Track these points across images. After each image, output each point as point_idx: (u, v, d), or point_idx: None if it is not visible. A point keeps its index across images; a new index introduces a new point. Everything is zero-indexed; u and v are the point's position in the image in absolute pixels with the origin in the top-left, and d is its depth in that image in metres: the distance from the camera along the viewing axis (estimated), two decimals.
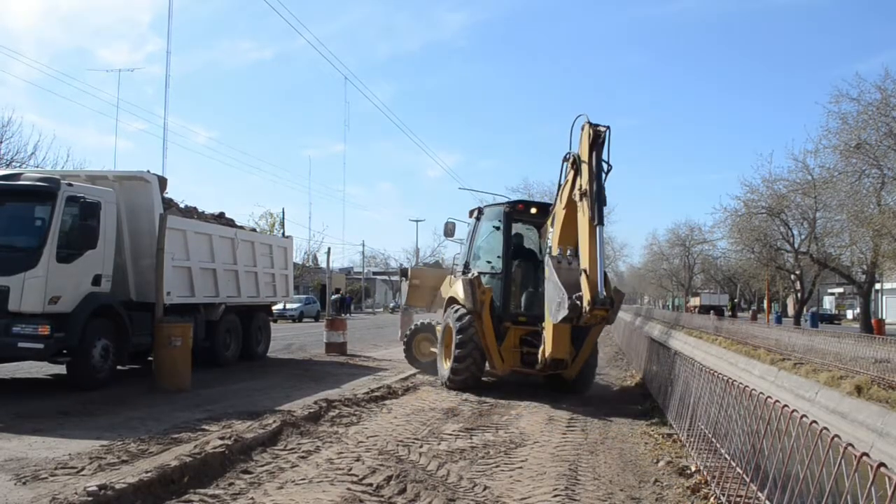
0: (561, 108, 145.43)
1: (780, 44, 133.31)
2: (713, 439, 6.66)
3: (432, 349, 14.48)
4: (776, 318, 45.84)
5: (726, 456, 6.06)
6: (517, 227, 13.50)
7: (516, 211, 13.06)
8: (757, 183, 33.13)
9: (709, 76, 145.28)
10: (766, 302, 55.49)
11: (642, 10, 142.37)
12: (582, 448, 7.90)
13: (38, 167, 23.88)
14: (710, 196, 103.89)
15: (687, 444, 7.59)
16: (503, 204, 13.25)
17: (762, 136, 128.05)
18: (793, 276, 39.30)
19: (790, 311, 52.40)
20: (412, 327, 15.77)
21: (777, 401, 5.02)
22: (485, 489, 6.06)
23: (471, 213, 14.17)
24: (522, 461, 7.15)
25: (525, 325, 12.41)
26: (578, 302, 9.62)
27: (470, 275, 12.45)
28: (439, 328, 14.04)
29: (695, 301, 68.35)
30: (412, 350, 15.32)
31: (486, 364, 12.43)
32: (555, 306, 10.20)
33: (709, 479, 6.19)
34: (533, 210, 13.24)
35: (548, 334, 11.16)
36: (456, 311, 12.29)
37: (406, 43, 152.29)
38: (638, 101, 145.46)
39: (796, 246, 34.12)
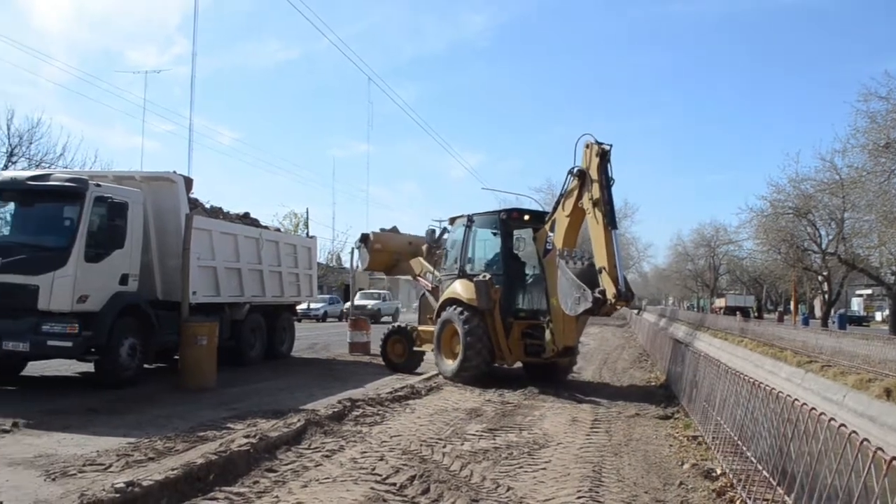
0: (584, 107, 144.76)
1: (806, 41, 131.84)
2: (739, 442, 6.60)
3: (427, 348, 15.17)
4: (803, 320, 45.27)
5: (752, 459, 6.00)
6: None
7: (511, 218, 14.13)
8: (783, 183, 32.60)
9: (732, 74, 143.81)
10: (792, 303, 54.78)
11: (664, 8, 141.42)
12: (606, 450, 7.86)
13: (66, 168, 24.22)
14: (736, 196, 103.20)
15: (712, 447, 7.52)
16: (498, 212, 14.45)
17: (789, 136, 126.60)
18: (820, 278, 38.71)
19: (817, 312, 51.70)
20: (385, 332, 16.41)
21: (804, 404, 4.97)
22: (508, 490, 6.05)
23: (452, 220, 15.23)
24: (546, 462, 7.13)
25: (525, 320, 13.44)
26: (600, 296, 10.82)
27: (481, 276, 13.21)
28: (426, 328, 15.02)
29: (720, 302, 67.68)
30: (387, 352, 16.01)
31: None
32: (572, 300, 11.28)
33: (735, 482, 6.13)
34: (526, 217, 14.31)
35: (558, 325, 12.44)
36: (460, 311, 13.20)
37: (430, 44, 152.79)
38: (660, 100, 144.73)
39: (824, 247, 33.61)
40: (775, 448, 5.44)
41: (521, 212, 14.89)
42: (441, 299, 14.17)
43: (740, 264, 61.26)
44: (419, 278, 16.45)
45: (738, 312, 48.22)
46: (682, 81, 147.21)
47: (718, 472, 6.67)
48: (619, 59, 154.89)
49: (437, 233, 16.80)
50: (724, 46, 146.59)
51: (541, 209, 16.55)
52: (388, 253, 17.00)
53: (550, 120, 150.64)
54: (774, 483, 5.30)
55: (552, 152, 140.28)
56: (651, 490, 6.27)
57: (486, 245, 14.44)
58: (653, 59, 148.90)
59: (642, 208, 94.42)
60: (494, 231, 14.14)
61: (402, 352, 15.76)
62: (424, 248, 16.63)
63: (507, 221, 13.94)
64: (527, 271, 13.97)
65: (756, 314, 59.26)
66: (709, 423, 8.05)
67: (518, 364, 14.21)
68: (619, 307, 11.46)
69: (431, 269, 15.89)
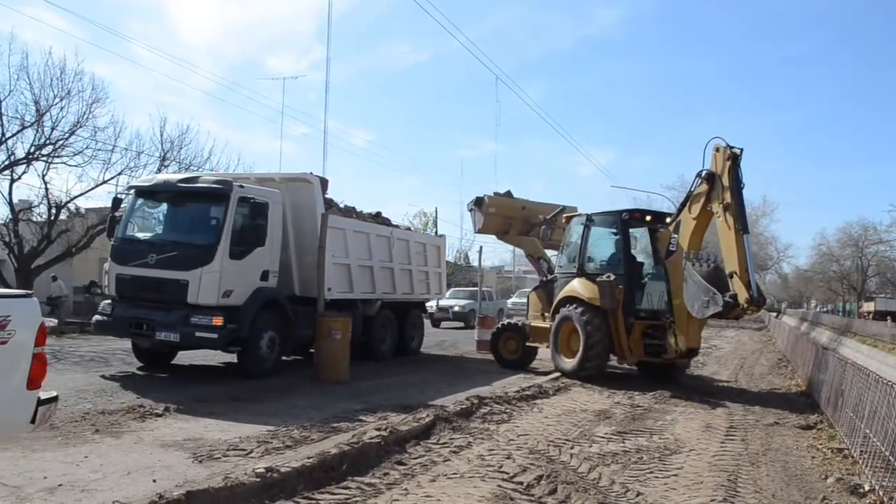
0: (719, 100, 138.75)
1: None
2: (891, 457, 6.17)
3: (539, 345, 15.26)
4: None
5: None
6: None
7: (633, 218, 14.06)
8: None
9: (882, 63, 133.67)
10: None
11: None
12: (742, 458, 7.55)
13: (212, 170, 25.71)
14: (887, 192, 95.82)
15: (860, 461, 7.07)
16: (619, 212, 14.20)
17: None
18: None
19: None
20: (497, 327, 16.47)
21: None
22: (638, 495, 5.92)
23: (567, 218, 15.26)
24: (678, 469, 6.93)
25: (646, 320, 13.42)
26: (731, 300, 10.96)
27: (605, 276, 13.18)
28: (539, 324, 15.14)
29: (868, 306, 63.31)
30: (499, 349, 16.01)
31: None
32: (699, 303, 11.42)
33: (885, 499, 5.74)
34: (647, 217, 14.27)
35: (682, 327, 12.42)
36: (581, 310, 13.30)
37: (558, 40, 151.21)
38: (800, 93, 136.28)
39: None
40: None
41: (643, 212, 14.85)
42: (558, 297, 14.20)
43: (892, 265, 57.31)
44: (533, 261, 16.83)
45: (888, 317, 45.01)
46: (824, 73, 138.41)
47: (866, 487, 6.27)
48: (757, 50, 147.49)
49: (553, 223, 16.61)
50: (876, 31, 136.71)
51: (674, 207, 16.24)
52: (501, 217, 17.23)
53: (684, 115, 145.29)
54: None
55: (685, 149, 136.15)
56: (790, 503, 5.98)
57: (606, 244, 14.41)
58: (793, 50, 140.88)
59: (782, 206, 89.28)
60: (615, 231, 14.08)
61: (515, 348, 15.76)
62: (540, 228, 16.65)
63: (629, 221, 13.90)
64: (645, 271, 13.94)
65: None
66: (856, 436, 7.56)
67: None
68: (749, 312, 11.65)
69: (547, 256, 15.88)
